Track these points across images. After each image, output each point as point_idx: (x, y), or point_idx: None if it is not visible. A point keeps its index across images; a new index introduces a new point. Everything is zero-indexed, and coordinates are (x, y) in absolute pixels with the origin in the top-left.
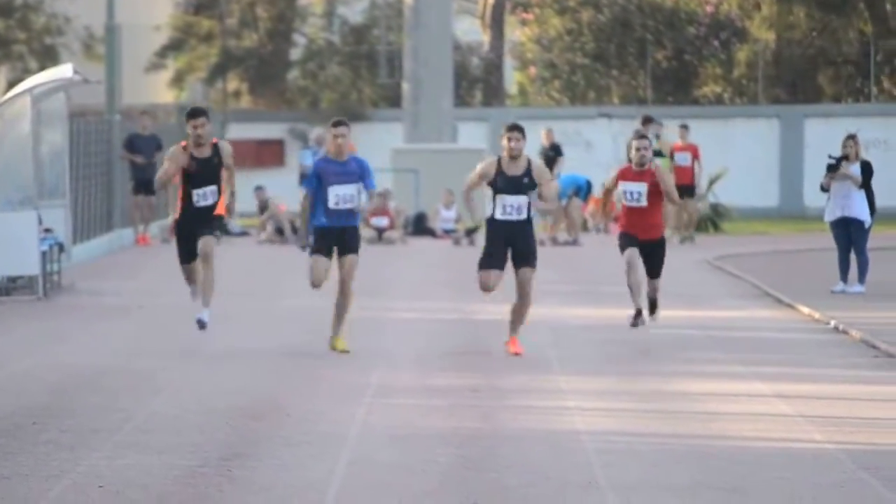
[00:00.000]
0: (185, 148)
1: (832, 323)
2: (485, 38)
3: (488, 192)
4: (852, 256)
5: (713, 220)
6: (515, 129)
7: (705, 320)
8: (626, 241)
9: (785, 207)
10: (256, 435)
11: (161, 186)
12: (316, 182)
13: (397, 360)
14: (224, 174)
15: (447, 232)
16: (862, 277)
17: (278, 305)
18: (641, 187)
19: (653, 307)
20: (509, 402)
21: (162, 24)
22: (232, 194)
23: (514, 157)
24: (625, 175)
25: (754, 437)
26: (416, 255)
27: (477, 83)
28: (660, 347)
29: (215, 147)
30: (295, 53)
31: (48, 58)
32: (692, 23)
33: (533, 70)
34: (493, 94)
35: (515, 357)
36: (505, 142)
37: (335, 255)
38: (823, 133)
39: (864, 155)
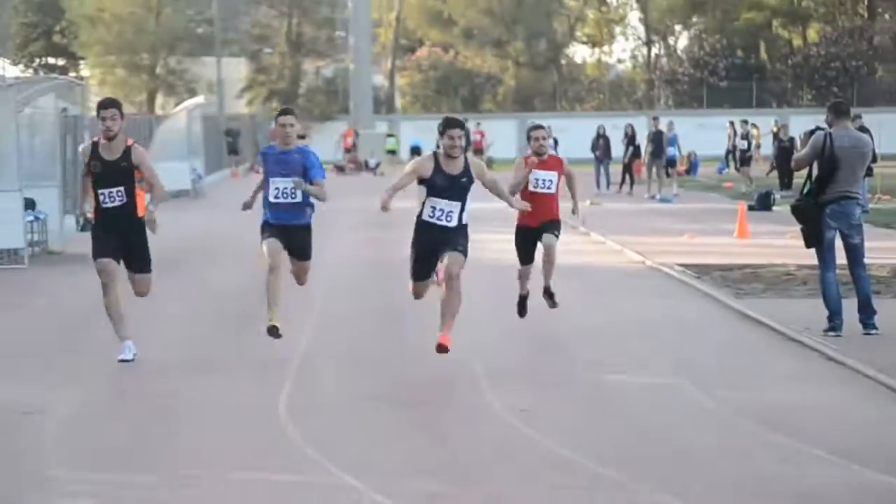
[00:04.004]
0: None
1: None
2: None
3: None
4: None
5: None
6: (455, 124)
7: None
8: (522, 244)
9: None
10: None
11: None
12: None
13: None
14: None
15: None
16: None
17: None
18: (552, 175)
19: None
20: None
21: None
22: None
23: (453, 156)
24: (529, 164)
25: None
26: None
27: None
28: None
29: None
30: None
31: None
32: None
33: None
34: None
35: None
36: (446, 140)
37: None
38: None
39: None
